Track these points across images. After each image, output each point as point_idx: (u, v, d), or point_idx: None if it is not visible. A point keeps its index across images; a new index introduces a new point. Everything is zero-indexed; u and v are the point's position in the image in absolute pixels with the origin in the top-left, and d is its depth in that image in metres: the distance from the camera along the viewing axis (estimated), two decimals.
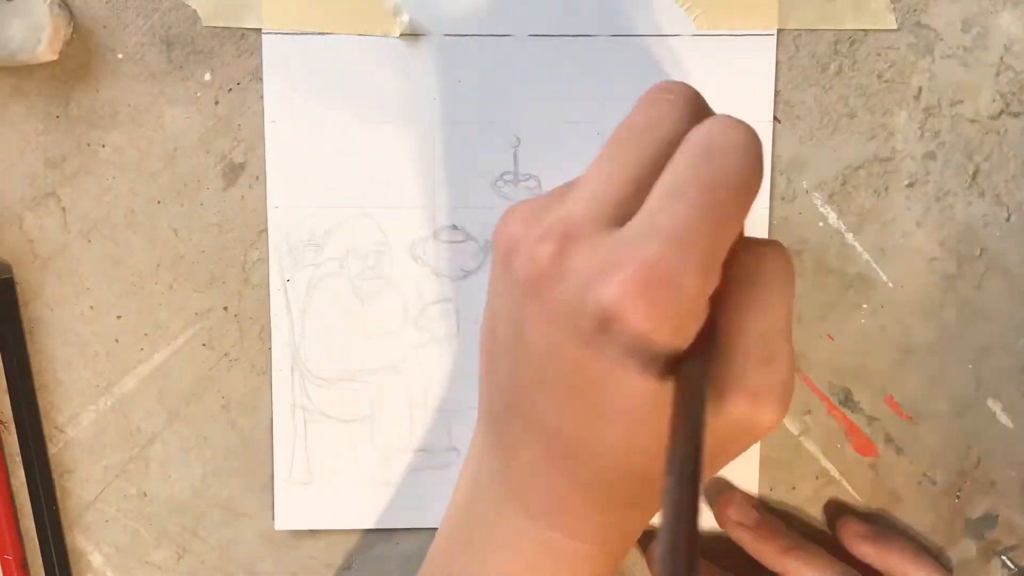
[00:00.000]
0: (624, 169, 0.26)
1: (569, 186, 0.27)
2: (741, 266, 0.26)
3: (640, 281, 0.23)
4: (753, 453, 0.39)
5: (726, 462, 0.29)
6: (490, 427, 0.30)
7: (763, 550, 0.38)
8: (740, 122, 0.26)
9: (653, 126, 0.26)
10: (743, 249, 0.27)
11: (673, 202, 0.24)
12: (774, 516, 0.39)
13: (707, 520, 0.40)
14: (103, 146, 0.38)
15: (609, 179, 0.26)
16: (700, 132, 0.25)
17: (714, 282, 0.25)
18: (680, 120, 0.26)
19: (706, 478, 0.29)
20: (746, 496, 0.39)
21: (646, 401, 0.25)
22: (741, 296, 0.26)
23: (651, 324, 0.24)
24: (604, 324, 0.24)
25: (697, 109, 0.27)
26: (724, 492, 0.39)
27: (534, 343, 0.26)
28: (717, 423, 0.26)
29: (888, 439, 0.40)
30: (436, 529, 0.40)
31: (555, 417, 0.27)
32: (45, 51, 0.34)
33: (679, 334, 0.25)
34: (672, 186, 0.25)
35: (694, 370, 0.25)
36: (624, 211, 0.25)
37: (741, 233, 0.27)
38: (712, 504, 0.39)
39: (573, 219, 0.25)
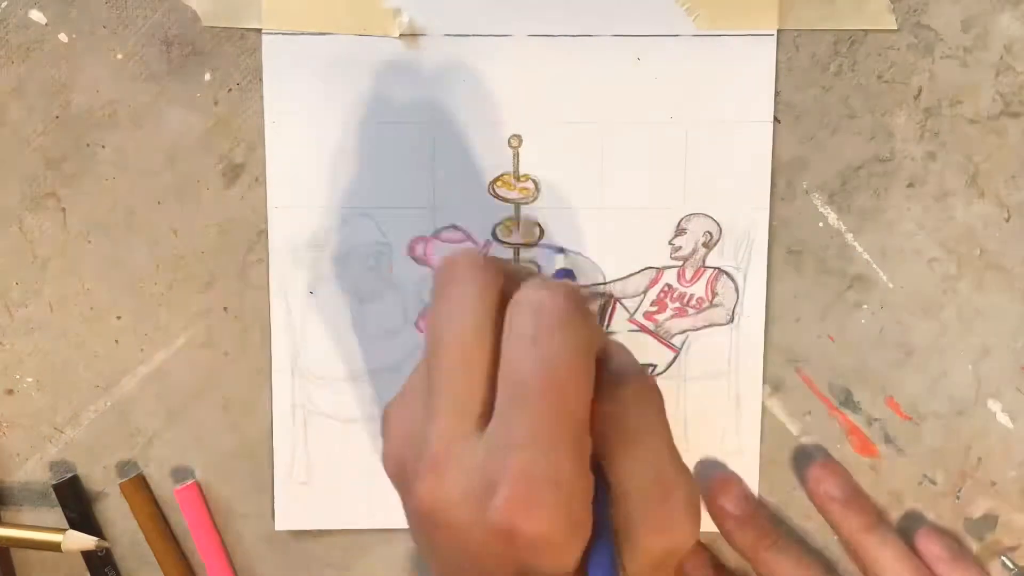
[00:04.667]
0: (465, 375, 0.27)
1: (416, 380, 0.28)
2: (607, 417, 0.27)
3: (521, 495, 0.25)
4: (753, 453, 0.39)
5: None
6: None
7: (747, 543, 0.38)
8: (548, 292, 0.26)
9: (462, 316, 0.27)
10: (605, 395, 0.27)
11: (519, 404, 0.25)
12: (763, 508, 0.39)
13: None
14: (103, 146, 0.38)
15: (456, 389, 0.27)
16: (519, 318, 0.26)
17: (587, 446, 0.26)
18: (488, 301, 0.27)
19: None
20: (740, 484, 0.39)
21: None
22: (616, 447, 0.27)
23: (547, 524, 0.25)
24: (508, 540, 0.25)
25: (492, 274, 0.28)
26: (720, 480, 0.39)
27: (451, 562, 0.27)
28: (641, 564, 0.27)
29: (888, 439, 0.40)
30: None
31: None
32: None
33: (575, 527, 0.26)
34: (513, 386, 0.26)
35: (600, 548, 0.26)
36: (481, 413, 0.26)
37: (601, 364, 0.28)
38: (706, 491, 0.39)
39: (441, 440, 0.26)
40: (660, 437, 0.27)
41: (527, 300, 0.26)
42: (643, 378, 0.28)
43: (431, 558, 0.29)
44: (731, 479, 0.39)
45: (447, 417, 0.27)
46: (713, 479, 0.39)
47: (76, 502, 0.39)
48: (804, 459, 0.40)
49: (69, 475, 0.39)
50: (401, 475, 0.28)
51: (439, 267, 0.29)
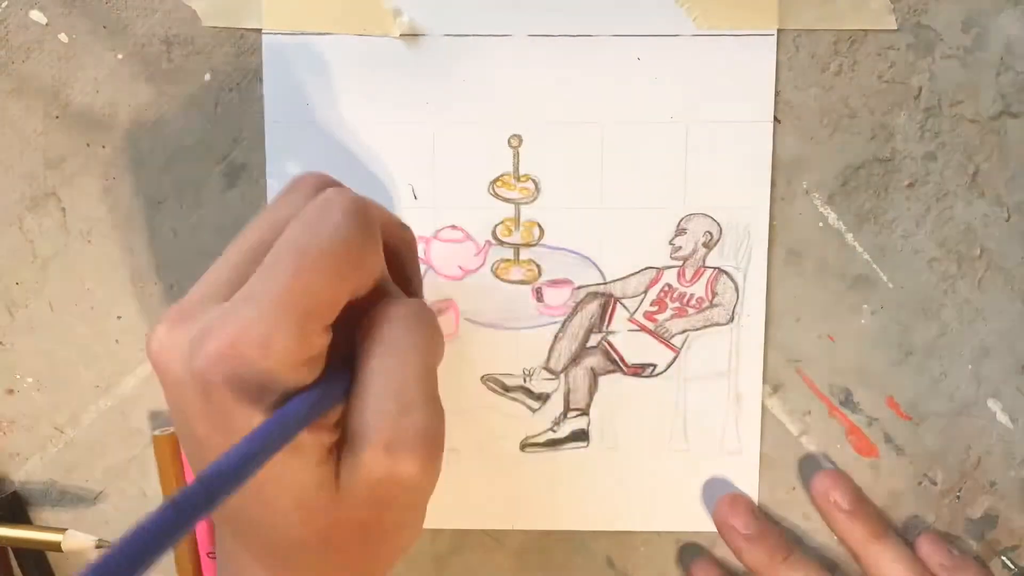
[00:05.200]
0: (239, 250, 0.27)
1: None
2: (372, 323, 0.27)
3: (227, 345, 0.24)
4: (753, 453, 0.39)
5: (395, 535, 0.29)
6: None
7: (760, 560, 0.38)
8: (344, 191, 0.27)
9: (275, 211, 0.28)
10: (380, 308, 0.27)
11: (269, 270, 0.25)
12: (773, 524, 0.39)
13: (707, 524, 0.40)
14: (103, 146, 0.38)
15: (226, 261, 0.27)
16: (309, 204, 0.27)
17: (318, 342, 0.25)
18: (297, 202, 0.28)
19: (388, 555, 0.29)
20: (748, 503, 0.39)
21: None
22: (371, 350, 0.27)
23: (243, 379, 0.24)
24: (206, 388, 0.25)
25: (321, 188, 0.28)
26: (728, 500, 0.39)
27: (177, 426, 0.27)
28: (357, 480, 0.26)
29: (888, 439, 0.40)
30: (434, 529, 0.40)
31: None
32: None
33: (280, 384, 0.25)
34: (270, 256, 0.26)
35: (302, 397, 0.25)
36: (235, 289, 0.26)
37: (387, 291, 0.28)
38: (715, 512, 0.39)
39: (189, 299, 0.27)
40: (416, 354, 0.27)
41: (327, 191, 0.27)
42: (424, 310, 0.28)
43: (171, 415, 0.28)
44: (738, 498, 0.39)
45: (205, 282, 0.27)
46: (721, 500, 0.39)
47: None
48: (808, 469, 0.40)
49: None
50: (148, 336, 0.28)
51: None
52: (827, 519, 0.39)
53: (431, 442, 0.26)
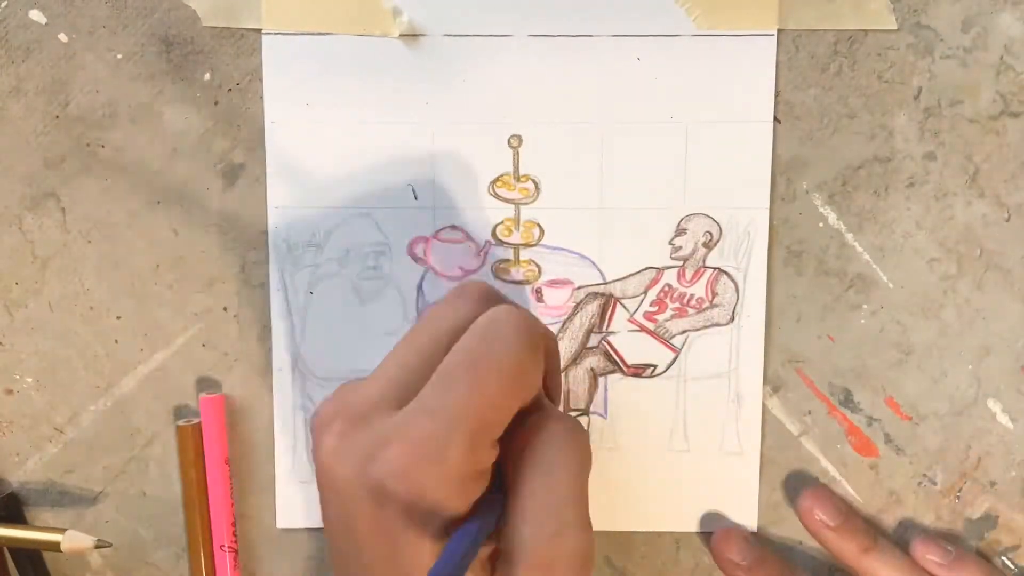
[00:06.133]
0: (412, 354, 0.28)
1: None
2: (530, 438, 0.28)
3: (406, 454, 0.25)
4: (753, 453, 0.39)
5: None
6: None
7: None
8: (514, 310, 0.28)
9: (445, 317, 0.29)
10: (536, 422, 0.28)
11: (443, 382, 0.26)
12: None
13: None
14: (103, 146, 0.38)
15: (398, 363, 0.28)
16: (482, 317, 0.28)
17: (487, 457, 0.27)
18: (471, 314, 0.29)
19: None
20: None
21: (428, 567, 0.26)
22: (529, 467, 0.27)
23: (420, 493, 0.25)
24: (379, 498, 0.26)
25: (489, 301, 0.29)
26: (811, 494, 0.39)
27: (332, 523, 0.28)
28: None
29: (888, 439, 0.40)
30: None
31: None
32: None
33: (451, 503, 0.26)
34: (445, 368, 0.27)
35: (466, 529, 0.26)
36: (410, 394, 0.27)
37: (540, 405, 0.29)
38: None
39: (362, 401, 0.27)
40: (569, 476, 0.27)
41: (490, 312, 0.28)
42: (578, 428, 0.29)
43: (324, 519, 0.29)
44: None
45: (377, 384, 0.28)
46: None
47: None
48: (794, 489, 0.40)
49: None
50: (314, 432, 0.28)
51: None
52: (817, 538, 0.39)
53: (585, 563, 0.27)
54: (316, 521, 0.40)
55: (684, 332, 0.39)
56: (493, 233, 0.39)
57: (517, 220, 0.39)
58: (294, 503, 0.39)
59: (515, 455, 0.28)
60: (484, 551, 0.27)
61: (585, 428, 0.29)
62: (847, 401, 0.39)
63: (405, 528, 0.26)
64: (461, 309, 0.29)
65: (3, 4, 0.37)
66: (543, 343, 0.28)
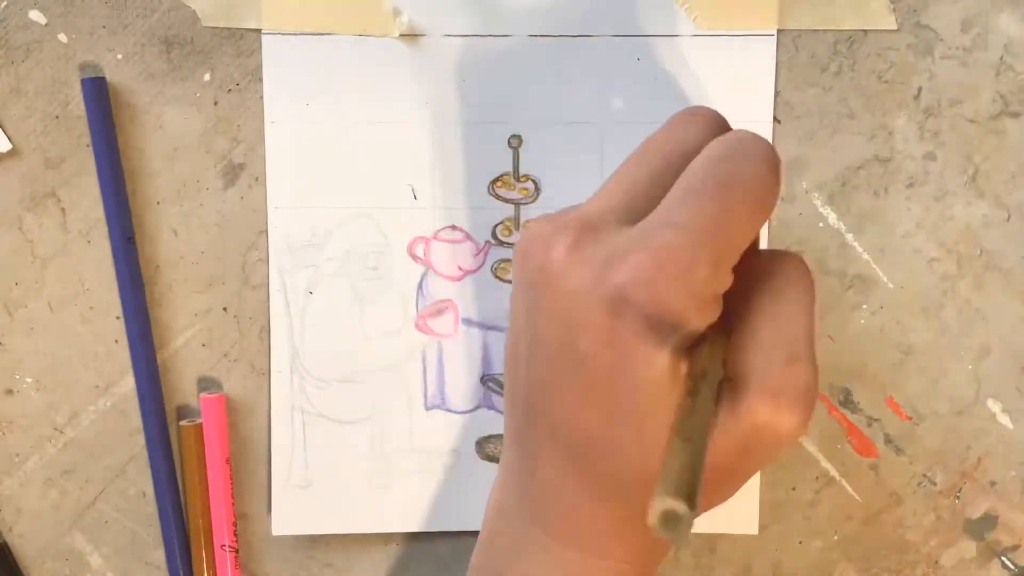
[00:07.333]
0: (643, 173, 0.27)
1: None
2: (759, 271, 0.27)
3: (652, 265, 0.24)
4: None
5: (742, 480, 0.29)
6: (513, 444, 0.30)
7: None
8: (760, 136, 0.27)
9: (676, 139, 0.28)
10: (762, 258, 0.27)
11: (689, 196, 0.25)
12: None
13: None
14: None
15: (628, 181, 0.27)
16: (721, 140, 0.27)
17: (726, 281, 0.26)
18: (702, 137, 0.27)
19: (723, 498, 0.29)
20: None
21: (661, 383, 0.25)
22: (761, 298, 0.27)
23: (663, 305, 0.24)
24: (616, 307, 0.25)
25: (721, 130, 0.28)
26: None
27: (548, 338, 0.26)
28: (736, 426, 0.26)
29: (888, 439, 0.40)
30: (437, 533, 0.40)
31: (570, 418, 0.27)
32: None
33: (691, 319, 0.25)
34: (690, 183, 0.26)
35: (708, 351, 0.25)
36: (641, 211, 0.26)
37: (757, 243, 0.28)
38: None
39: (590, 214, 0.26)
40: (803, 312, 0.26)
41: (740, 131, 0.27)
42: (803, 262, 0.28)
43: (522, 335, 0.27)
44: None
45: (606, 200, 0.27)
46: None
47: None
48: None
49: None
50: (528, 246, 0.27)
51: (682, 110, 0.29)
52: None
53: (813, 397, 0.26)
54: (312, 527, 0.40)
55: None
56: (493, 233, 0.39)
57: (517, 220, 0.39)
58: (290, 509, 0.39)
59: (743, 286, 0.27)
60: (683, 367, 0.26)
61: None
62: (847, 401, 0.39)
63: (641, 340, 0.25)
64: (692, 131, 0.28)
65: (3, 4, 0.37)
66: (782, 171, 0.27)
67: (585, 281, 0.25)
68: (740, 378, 0.26)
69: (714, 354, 0.26)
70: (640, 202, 0.26)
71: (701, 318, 0.25)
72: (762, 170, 0.26)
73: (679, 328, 0.25)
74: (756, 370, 0.26)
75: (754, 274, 0.27)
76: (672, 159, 0.27)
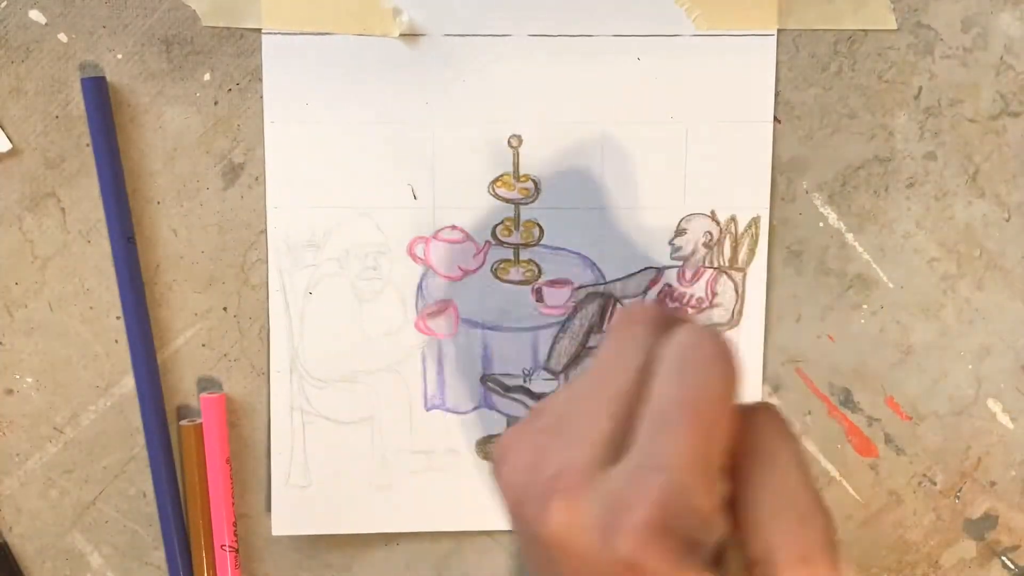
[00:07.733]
0: (608, 405, 0.27)
1: (543, 409, 0.29)
2: (741, 447, 0.27)
3: (655, 520, 0.24)
4: None
5: None
6: None
7: None
8: (705, 332, 0.27)
9: (625, 356, 0.28)
10: (739, 430, 0.27)
11: (663, 431, 0.25)
12: None
13: None
14: None
15: (596, 418, 0.27)
16: (671, 353, 0.27)
17: (723, 485, 0.26)
18: (648, 343, 0.28)
19: None
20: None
21: None
22: (750, 469, 0.27)
23: (674, 550, 0.24)
24: (633, 567, 0.25)
25: (661, 323, 0.28)
26: None
27: None
28: None
29: (888, 439, 0.40)
30: (437, 533, 0.40)
31: None
32: None
33: (709, 538, 0.25)
34: (658, 415, 0.26)
35: (731, 554, 0.26)
36: (617, 446, 0.26)
37: (734, 416, 0.28)
38: None
39: (574, 467, 0.26)
40: (798, 467, 0.27)
41: (685, 334, 0.27)
42: (769, 406, 0.28)
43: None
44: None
45: (583, 445, 0.27)
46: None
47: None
48: None
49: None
50: (522, 503, 0.27)
51: (618, 315, 0.30)
52: None
53: (836, 540, 0.26)
54: (311, 527, 0.40)
55: None
56: (493, 233, 0.39)
57: (517, 220, 0.39)
58: (290, 509, 0.39)
59: (734, 467, 0.27)
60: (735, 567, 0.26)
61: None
62: (847, 401, 0.39)
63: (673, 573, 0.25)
64: (640, 338, 0.28)
65: (3, 4, 0.37)
66: (736, 355, 0.28)
67: (595, 545, 0.25)
68: (765, 557, 0.26)
69: (735, 556, 0.26)
70: (614, 437, 0.26)
71: (718, 530, 0.26)
72: (720, 371, 0.26)
73: (702, 547, 0.25)
74: (776, 546, 0.26)
75: (738, 440, 0.27)
76: (630, 376, 0.27)
